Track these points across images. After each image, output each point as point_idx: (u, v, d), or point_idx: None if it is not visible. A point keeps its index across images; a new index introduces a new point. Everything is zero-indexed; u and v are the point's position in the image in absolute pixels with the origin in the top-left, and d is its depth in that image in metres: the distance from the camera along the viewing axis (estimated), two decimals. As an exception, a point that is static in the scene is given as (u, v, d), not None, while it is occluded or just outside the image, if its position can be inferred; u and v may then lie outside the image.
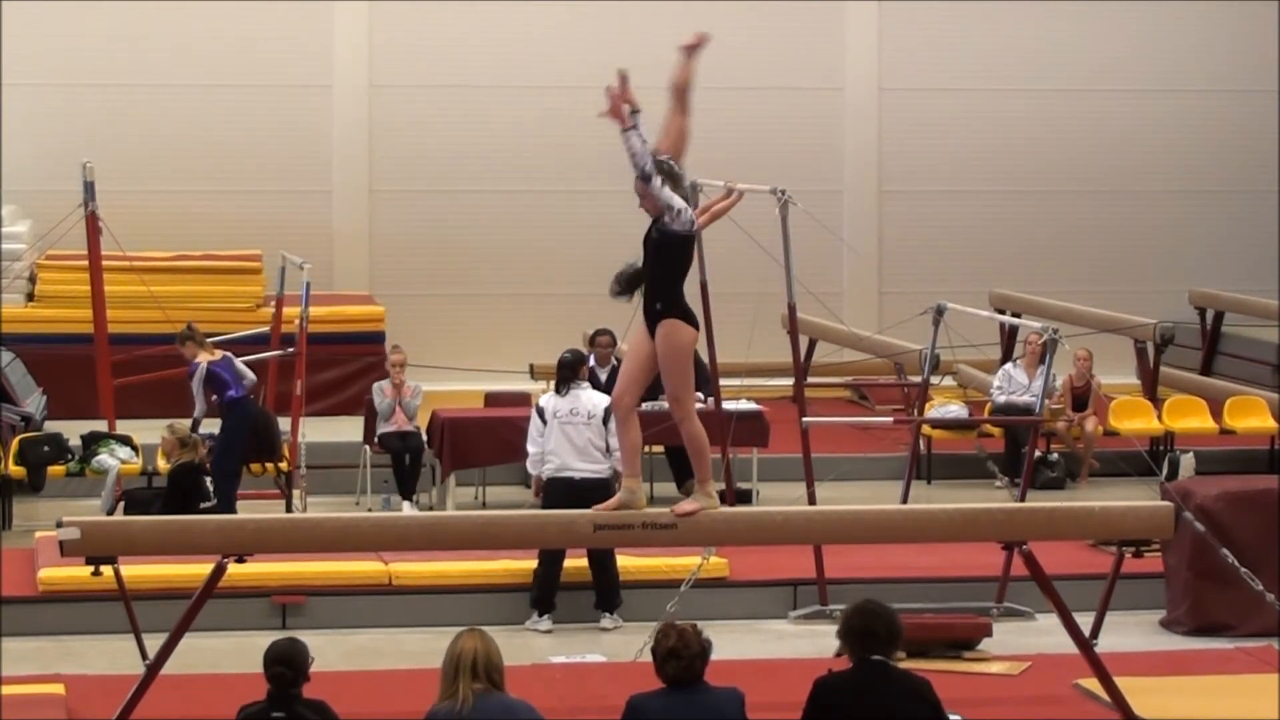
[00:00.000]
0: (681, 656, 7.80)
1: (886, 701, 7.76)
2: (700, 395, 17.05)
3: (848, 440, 18.90)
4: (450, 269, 23.18)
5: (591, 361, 17.18)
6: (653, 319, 9.15)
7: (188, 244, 21.60)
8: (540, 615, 13.43)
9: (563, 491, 13.25)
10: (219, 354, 16.08)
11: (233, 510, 15.22)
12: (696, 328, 9.20)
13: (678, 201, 9.07)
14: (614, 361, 17.31)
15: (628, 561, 13.68)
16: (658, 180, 9.02)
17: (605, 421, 13.42)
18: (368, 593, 13.60)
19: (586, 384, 13.85)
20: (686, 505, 9.50)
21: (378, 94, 23.24)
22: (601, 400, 13.62)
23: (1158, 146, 24.68)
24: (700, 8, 23.65)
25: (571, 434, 13.46)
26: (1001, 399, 18.51)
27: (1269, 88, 24.58)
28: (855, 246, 23.00)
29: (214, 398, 15.81)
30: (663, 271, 9.15)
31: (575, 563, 13.47)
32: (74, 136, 21.96)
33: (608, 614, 13.52)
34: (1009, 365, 19.05)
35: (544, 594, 13.45)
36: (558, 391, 13.76)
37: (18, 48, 22.33)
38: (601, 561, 13.47)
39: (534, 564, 13.47)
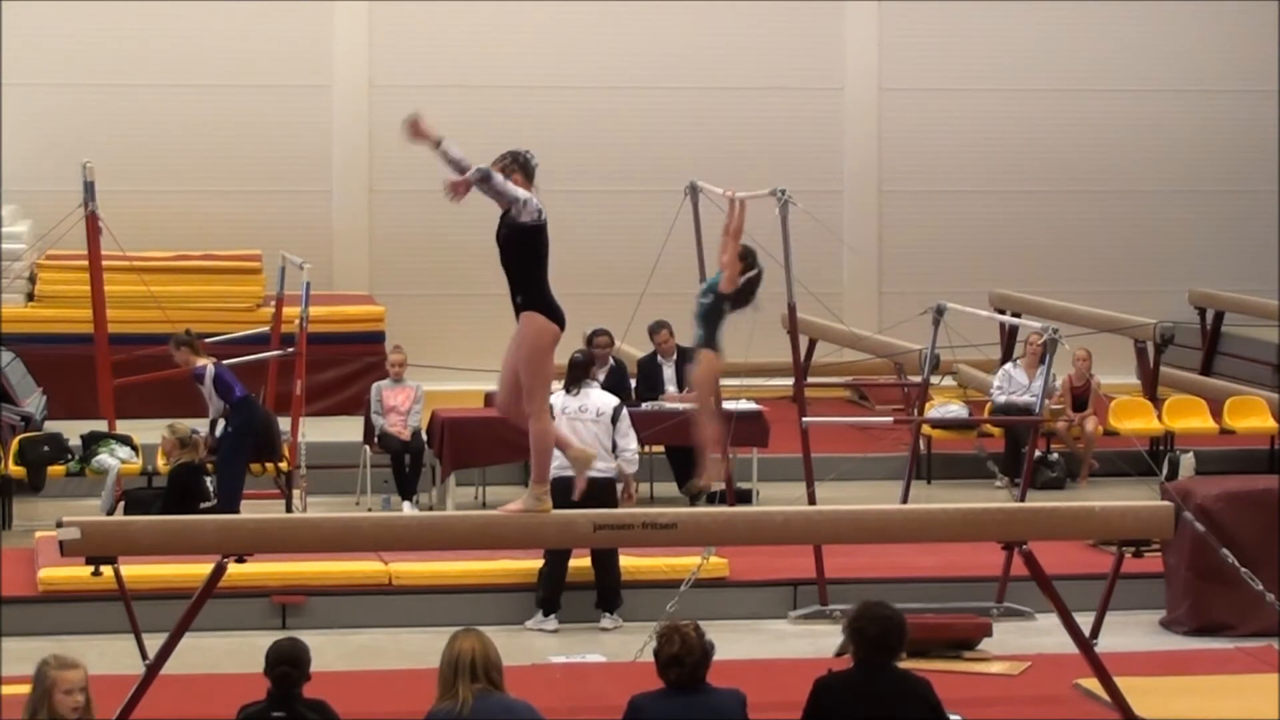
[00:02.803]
0: (685, 664, 7.78)
1: (886, 702, 7.76)
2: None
3: (848, 440, 18.89)
4: (450, 269, 23.16)
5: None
6: (516, 311, 9.07)
7: (188, 244, 21.60)
8: (546, 615, 13.42)
9: (571, 490, 13.26)
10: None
11: (237, 510, 15.17)
12: (561, 324, 9.03)
13: (522, 193, 8.99)
14: (611, 361, 17.34)
15: (627, 561, 13.69)
16: (498, 176, 8.93)
17: (614, 420, 13.53)
18: (368, 593, 13.61)
19: (595, 383, 13.92)
20: (514, 505, 9.35)
21: (378, 94, 23.24)
22: (610, 400, 13.73)
23: (1158, 146, 24.67)
24: (700, 8, 23.74)
25: (581, 431, 13.47)
26: (1001, 399, 18.51)
27: (1269, 88, 24.57)
28: (855, 246, 23.01)
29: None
30: (519, 264, 9.00)
31: (577, 562, 13.47)
32: (74, 136, 21.95)
33: (608, 614, 13.51)
34: (1009, 365, 19.05)
35: (549, 594, 13.44)
36: (568, 390, 13.77)
37: (18, 48, 22.32)
38: (604, 562, 13.46)
39: (534, 564, 13.47)
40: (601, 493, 13.09)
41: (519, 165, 9.04)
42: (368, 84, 23.25)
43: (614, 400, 13.81)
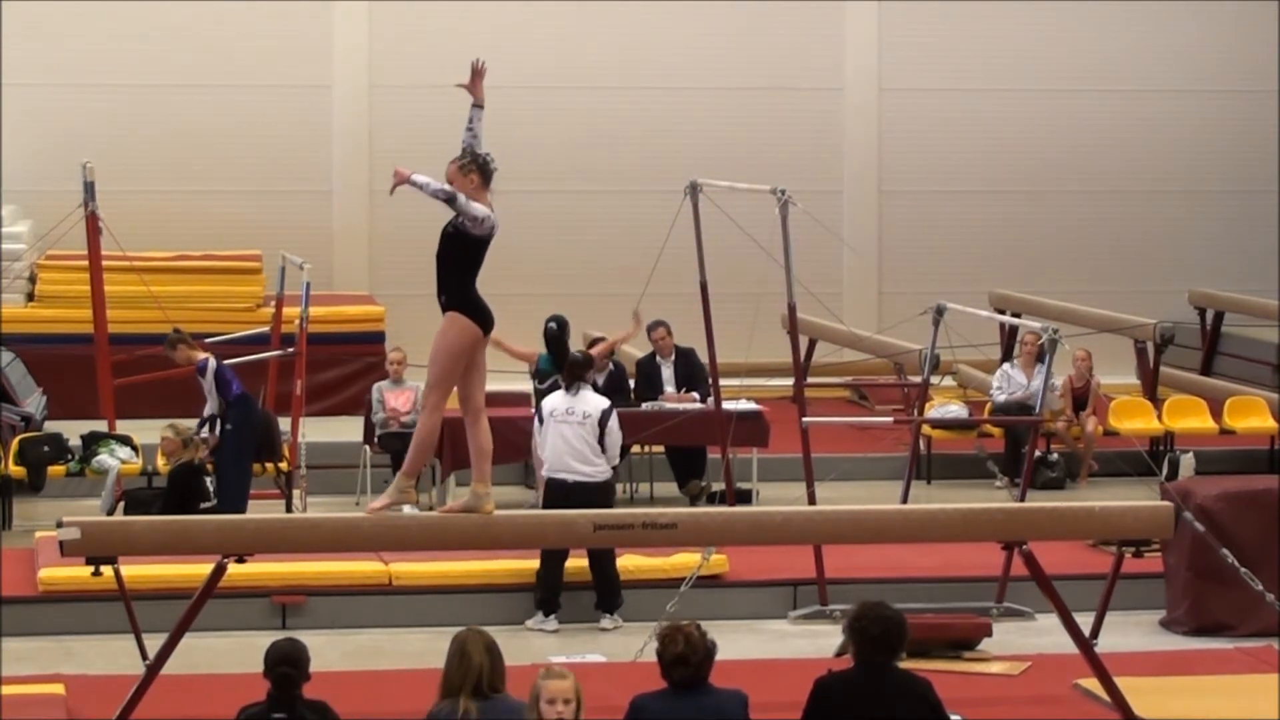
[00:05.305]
0: (689, 663, 7.78)
1: (887, 702, 7.76)
2: (697, 395, 17.15)
3: (848, 440, 18.89)
4: (450, 269, 23.12)
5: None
6: (442, 310, 9.10)
7: (188, 244, 21.59)
8: (546, 615, 13.41)
9: (559, 493, 13.25)
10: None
11: (243, 511, 15.05)
12: (485, 328, 9.09)
13: (480, 211, 8.99)
14: (610, 366, 17.33)
15: (627, 561, 13.69)
16: (462, 199, 8.95)
17: (601, 423, 13.38)
18: (368, 593, 13.61)
19: (588, 385, 13.84)
20: (378, 502, 9.37)
21: (378, 94, 23.25)
22: (601, 403, 13.59)
23: (1158, 146, 24.67)
24: (701, 8, 23.75)
25: (567, 434, 13.43)
26: (1001, 398, 18.52)
27: (1269, 88, 24.57)
28: (855, 246, 23.01)
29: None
30: (454, 265, 9.08)
31: (577, 562, 13.47)
32: (74, 136, 21.95)
33: (607, 614, 13.50)
34: (1006, 365, 19.08)
35: (547, 594, 13.43)
36: (567, 389, 13.72)
37: (18, 47, 22.32)
38: (598, 562, 13.43)
39: (534, 564, 13.47)
40: (588, 496, 12.99)
41: (477, 167, 9.06)
42: (368, 84, 23.25)
43: (604, 404, 13.62)
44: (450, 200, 8.94)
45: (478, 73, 9.20)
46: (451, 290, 9.09)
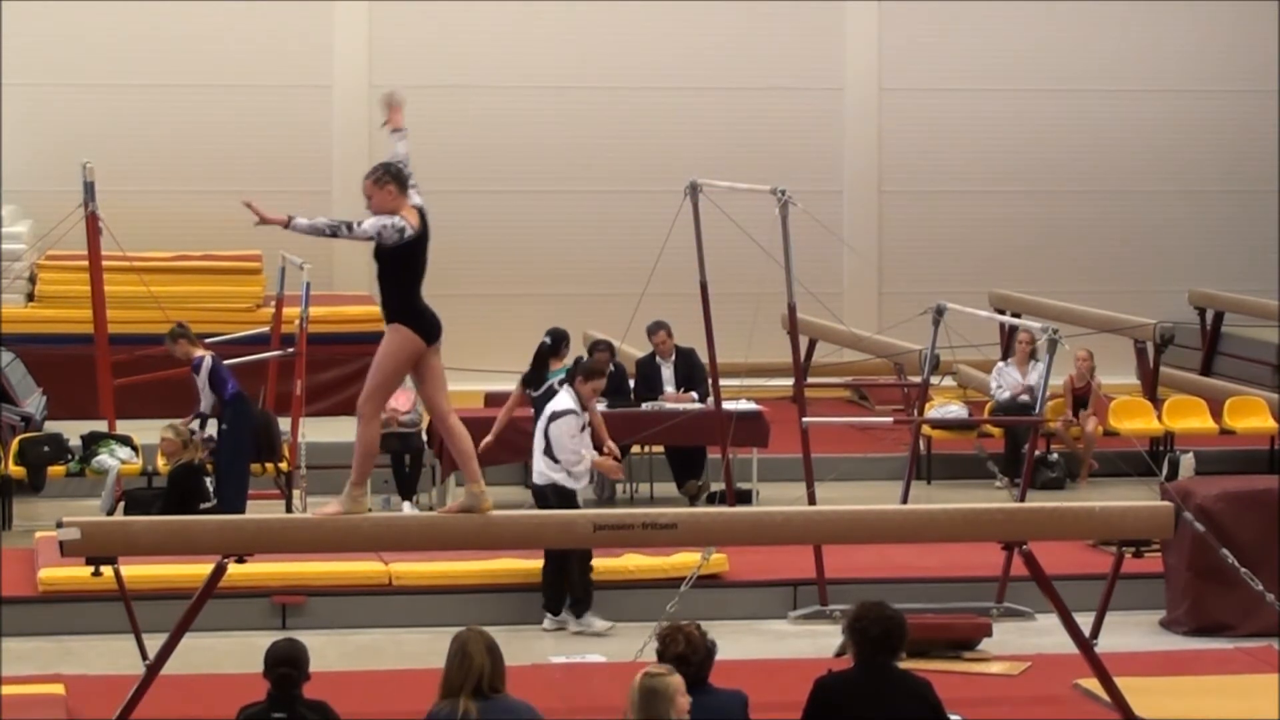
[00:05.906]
0: (690, 663, 7.78)
1: (887, 702, 7.76)
2: (695, 395, 17.15)
3: (848, 440, 18.90)
4: (449, 269, 22.94)
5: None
6: (385, 322, 9.16)
7: (188, 244, 21.59)
8: (554, 615, 13.40)
9: (561, 496, 13.32)
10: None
11: (242, 511, 15.04)
12: (429, 337, 9.11)
13: (372, 226, 9.04)
14: (610, 368, 17.29)
15: (628, 561, 13.69)
16: (344, 229, 9.01)
17: (546, 423, 13.32)
18: (368, 593, 13.61)
19: (569, 390, 13.67)
20: (330, 507, 9.46)
21: (377, 94, 23.15)
22: (555, 405, 13.46)
23: (1158, 147, 24.67)
24: (701, 8, 23.75)
25: (534, 433, 13.53)
26: (1005, 395, 18.54)
27: (1268, 88, 24.57)
28: (855, 246, 23.01)
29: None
30: (387, 278, 9.15)
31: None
32: (74, 136, 21.94)
33: (574, 617, 13.39)
34: (1001, 364, 19.12)
35: (546, 594, 13.43)
36: (567, 384, 13.75)
37: (18, 48, 22.32)
38: (577, 563, 13.37)
39: (533, 564, 13.47)
40: (535, 499, 12.96)
41: (391, 177, 9.20)
42: (368, 84, 23.23)
43: (559, 407, 13.39)
44: (334, 234, 9.05)
45: (393, 106, 9.31)
46: (395, 302, 9.13)
